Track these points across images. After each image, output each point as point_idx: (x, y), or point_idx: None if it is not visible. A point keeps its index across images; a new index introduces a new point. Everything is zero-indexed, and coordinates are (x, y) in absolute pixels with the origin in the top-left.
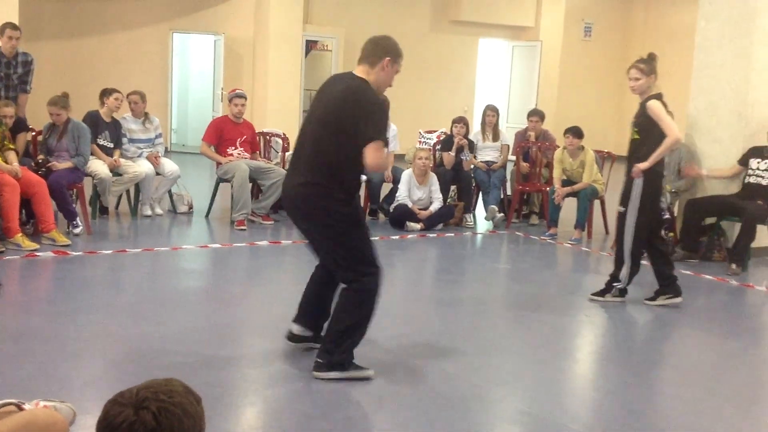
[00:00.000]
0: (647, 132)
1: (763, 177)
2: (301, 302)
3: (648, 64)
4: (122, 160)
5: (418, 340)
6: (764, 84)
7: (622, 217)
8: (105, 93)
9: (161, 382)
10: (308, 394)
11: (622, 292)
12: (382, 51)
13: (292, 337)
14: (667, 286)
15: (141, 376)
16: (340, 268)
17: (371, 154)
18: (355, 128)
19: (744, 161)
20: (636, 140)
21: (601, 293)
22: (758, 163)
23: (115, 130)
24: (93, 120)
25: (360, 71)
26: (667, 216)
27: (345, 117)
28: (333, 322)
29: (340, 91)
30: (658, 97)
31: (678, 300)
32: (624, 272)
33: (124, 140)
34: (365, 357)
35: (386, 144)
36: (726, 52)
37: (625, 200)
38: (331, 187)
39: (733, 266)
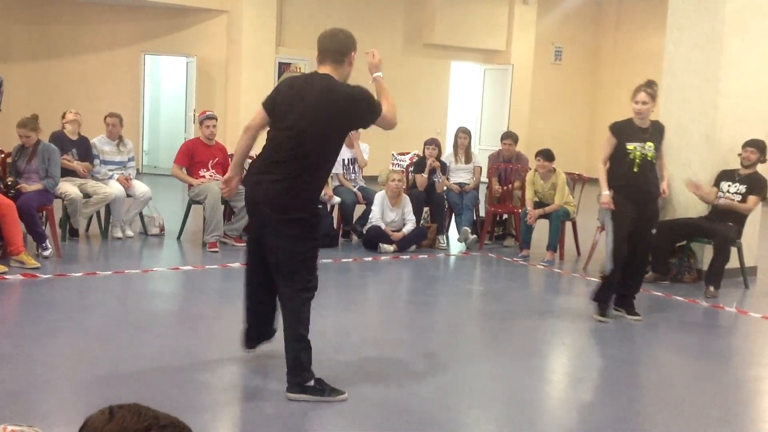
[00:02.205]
0: (659, 152)
1: (733, 199)
2: (249, 321)
3: (654, 89)
4: (93, 182)
5: (390, 362)
6: (732, 107)
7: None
8: (63, 115)
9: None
10: (280, 417)
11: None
12: (345, 47)
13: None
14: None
15: (111, 400)
16: (291, 274)
17: (391, 112)
18: (353, 121)
19: (716, 184)
20: (651, 160)
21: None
22: (729, 185)
23: (83, 147)
24: (59, 139)
25: (327, 71)
26: None
27: (339, 117)
28: (289, 342)
29: (318, 90)
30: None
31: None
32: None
33: (96, 161)
34: (337, 380)
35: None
36: (694, 77)
37: (656, 221)
38: (306, 186)
39: (711, 288)
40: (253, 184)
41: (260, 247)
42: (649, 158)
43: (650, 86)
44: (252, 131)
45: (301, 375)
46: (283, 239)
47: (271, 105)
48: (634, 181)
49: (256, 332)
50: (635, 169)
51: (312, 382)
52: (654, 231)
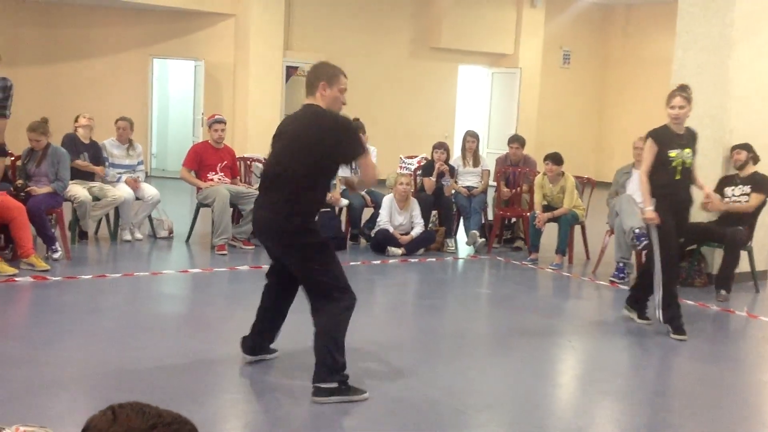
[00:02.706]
0: (695, 159)
1: (739, 201)
2: (252, 327)
3: (688, 93)
4: (102, 185)
5: (399, 365)
6: (742, 112)
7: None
8: (76, 119)
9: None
10: (289, 420)
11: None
12: (315, 78)
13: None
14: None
15: (120, 401)
16: (313, 290)
17: (367, 170)
18: (330, 152)
19: (719, 191)
20: (689, 167)
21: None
22: (732, 190)
23: (95, 151)
24: (71, 141)
25: (308, 101)
26: (646, 242)
27: (314, 145)
28: (318, 346)
29: (303, 123)
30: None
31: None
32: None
33: (106, 164)
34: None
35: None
36: (703, 81)
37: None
38: (290, 213)
39: (723, 292)
40: (254, 215)
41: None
42: (687, 165)
43: (684, 90)
44: None
45: (325, 378)
46: (292, 262)
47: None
48: (676, 190)
49: (251, 341)
50: (677, 177)
51: (335, 384)
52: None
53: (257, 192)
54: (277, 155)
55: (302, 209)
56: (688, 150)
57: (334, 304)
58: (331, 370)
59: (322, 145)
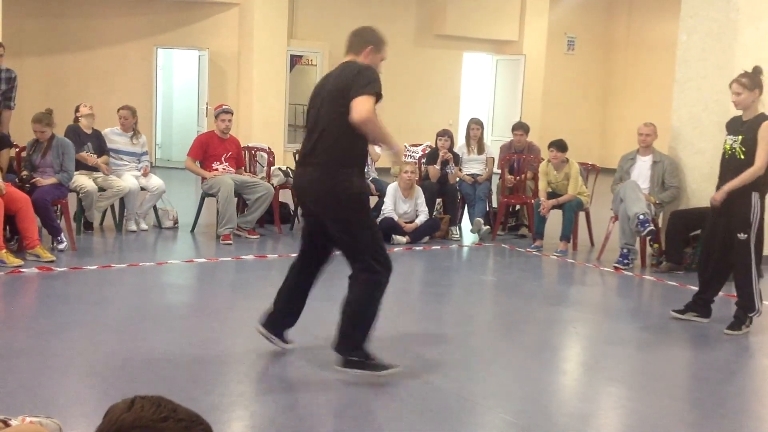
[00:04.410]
0: (753, 153)
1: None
2: (277, 305)
3: (751, 79)
4: (107, 176)
5: (404, 352)
6: None
7: (744, 244)
8: (76, 109)
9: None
10: (295, 408)
11: (689, 310)
12: (363, 41)
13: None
14: (701, 305)
15: (126, 392)
16: (352, 258)
17: (355, 107)
18: (348, 88)
19: None
20: (741, 160)
21: (736, 326)
22: None
23: (98, 141)
24: (75, 132)
25: (348, 58)
26: (651, 228)
27: (343, 89)
28: (348, 315)
29: (336, 75)
30: None
31: (704, 321)
32: (756, 298)
33: (112, 154)
34: (354, 377)
35: (378, 98)
36: (708, 65)
37: (743, 225)
38: (341, 166)
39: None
40: (295, 176)
41: (312, 232)
42: (735, 157)
43: (747, 75)
44: None
45: (350, 350)
46: (333, 227)
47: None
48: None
49: (270, 315)
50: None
51: (358, 357)
52: (745, 236)
53: (261, 181)
54: (318, 111)
55: (349, 162)
56: (741, 141)
57: (370, 275)
58: (349, 345)
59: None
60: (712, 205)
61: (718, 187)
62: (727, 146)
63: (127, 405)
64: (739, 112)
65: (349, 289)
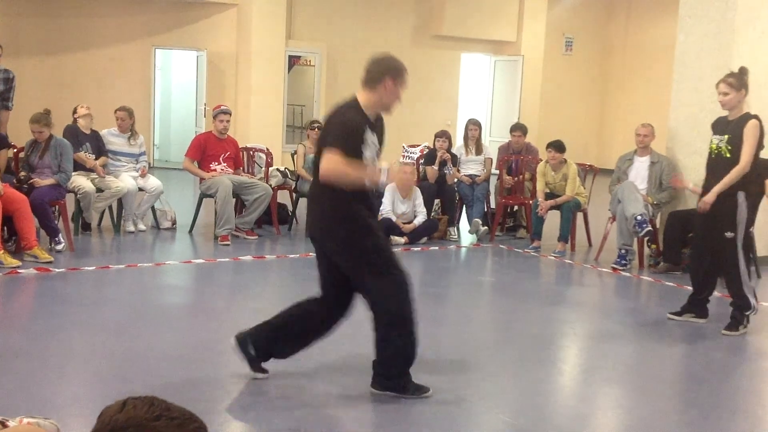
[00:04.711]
0: (739, 152)
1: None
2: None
3: (738, 79)
4: (105, 177)
5: None
6: None
7: (731, 243)
8: (74, 110)
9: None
10: (291, 410)
11: (685, 311)
12: (382, 72)
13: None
14: (698, 305)
15: (124, 392)
16: (361, 285)
17: (322, 163)
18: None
19: None
20: (728, 159)
21: (734, 327)
22: None
23: (96, 141)
24: (73, 132)
25: (359, 93)
26: (649, 228)
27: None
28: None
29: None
30: (758, 118)
31: (702, 321)
32: (751, 296)
33: (109, 155)
34: (350, 370)
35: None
36: (705, 66)
37: (730, 224)
38: (329, 202)
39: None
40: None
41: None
42: (721, 156)
43: (734, 75)
44: None
45: (389, 379)
46: (336, 256)
47: None
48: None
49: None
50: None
51: (395, 381)
52: (731, 235)
53: (259, 182)
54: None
55: (343, 198)
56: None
57: (380, 301)
58: (387, 364)
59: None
60: (699, 207)
61: (704, 187)
62: (714, 146)
63: (119, 406)
64: (725, 112)
65: (381, 315)
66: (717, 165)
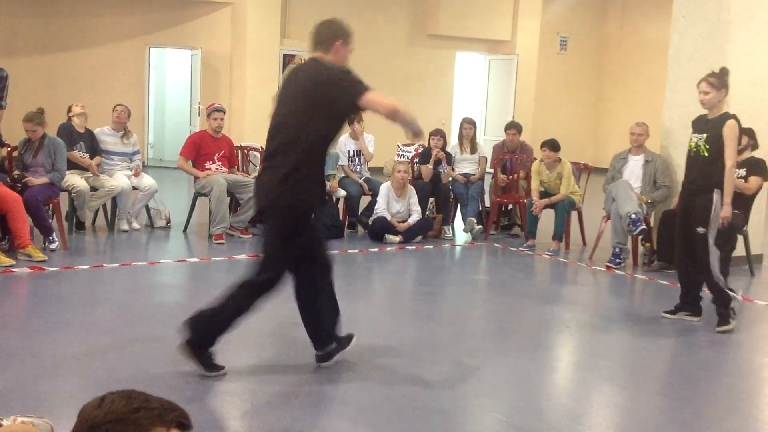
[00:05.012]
0: (720, 151)
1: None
2: (308, 328)
3: (719, 78)
4: (99, 175)
5: (397, 352)
6: (738, 96)
7: (703, 239)
8: (69, 109)
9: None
10: (289, 407)
11: (679, 310)
12: (331, 35)
13: (321, 358)
14: (690, 303)
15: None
16: (265, 259)
17: (379, 101)
18: (333, 101)
19: None
20: (705, 157)
21: (724, 322)
22: None
23: (90, 140)
24: (67, 131)
25: (316, 56)
26: (643, 227)
27: (319, 96)
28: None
29: (307, 77)
30: (736, 118)
31: (696, 320)
32: (726, 289)
33: (103, 154)
34: (344, 369)
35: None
36: (699, 65)
37: (702, 221)
38: (305, 175)
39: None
40: (257, 178)
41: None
42: (699, 155)
43: (715, 75)
44: None
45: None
46: (267, 225)
47: (274, 100)
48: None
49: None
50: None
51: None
52: (703, 230)
53: (253, 181)
54: (277, 116)
55: (305, 178)
56: (705, 139)
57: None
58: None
59: (329, 107)
60: (679, 206)
61: (683, 185)
62: (692, 144)
63: (97, 402)
64: (705, 111)
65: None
66: (694, 163)
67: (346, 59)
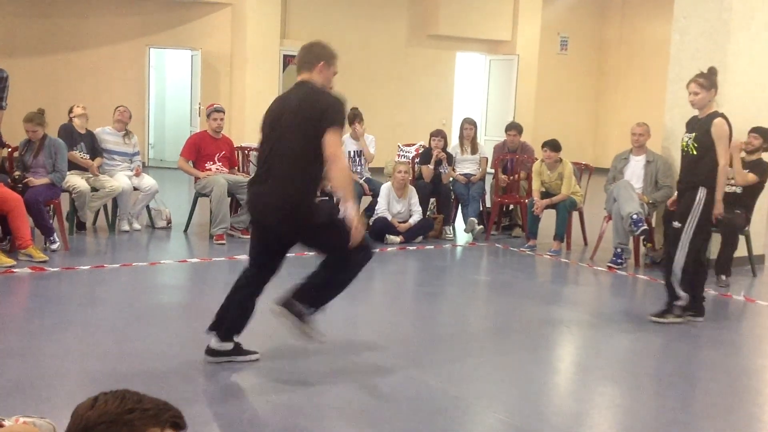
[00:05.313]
0: (707, 149)
1: (738, 186)
2: (220, 313)
3: (708, 79)
4: (100, 176)
5: (398, 352)
6: (739, 96)
7: (677, 233)
8: (70, 110)
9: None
10: (288, 408)
11: (687, 309)
12: (315, 57)
13: (210, 352)
14: (693, 304)
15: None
16: (335, 250)
17: (330, 140)
18: (316, 125)
19: None
20: (693, 156)
21: (662, 314)
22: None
23: (91, 141)
24: (68, 132)
25: (303, 78)
26: (645, 227)
27: (316, 120)
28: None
29: (303, 99)
30: (724, 116)
31: (700, 319)
32: (678, 289)
33: (104, 154)
34: (345, 369)
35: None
36: (700, 65)
37: (682, 216)
38: (307, 189)
39: (723, 277)
40: (253, 197)
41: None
42: (688, 153)
43: (704, 76)
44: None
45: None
46: (304, 239)
47: (261, 126)
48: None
49: (224, 317)
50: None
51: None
52: (679, 225)
53: (250, 187)
54: (278, 134)
55: (308, 186)
56: (694, 138)
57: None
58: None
59: (322, 120)
60: (670, 208)
61: (678, 182)
62: (684, 143)
63: (90, 402)
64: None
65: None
66: (684, 162)
67: (329, 80)
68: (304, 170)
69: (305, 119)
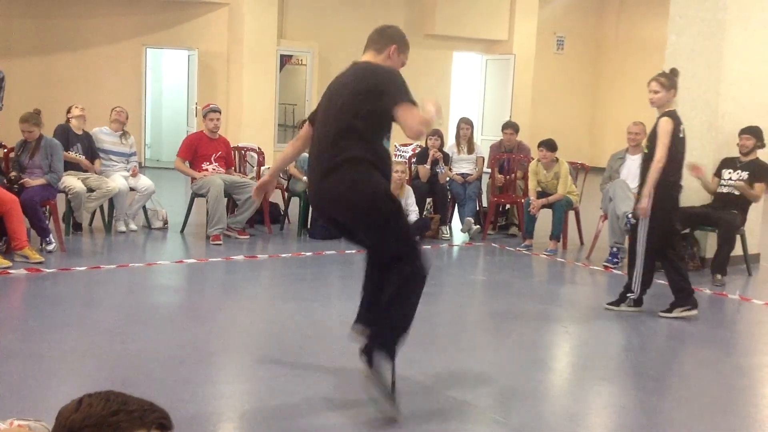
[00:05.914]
0: (655, 147)
1: (735, 187)
2: (363, 301)
3: (669, 79)
4: (96, 176)
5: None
6: (734, 96)
7: (634, 229)
8: (68, 110)
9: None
10: (285, 409)
11: (637, 303)
12: (388, 39)
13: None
14: (683, 298)
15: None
16: (392, 249)
17: (408, 116)
18: (377, 98)
19: (717, 172)
20: (646, 154)
21: (616, 303)
22: (730, 173)
23: (87, 142)
24: (64, 132)
25: (367, 57)
26: None
27: (363, 92)
28: (391, 309)
29: (352, 74)
30: (672, 114)
31: (694, 312)
32: (636, 283)
33: (100, 154)
34: (343, 370)
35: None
36: (696, 65)
37: (635, 212)
38: (365, 163)
39: (719, 276)
40: (312, 192)
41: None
42: (644, 153)
43: (666, 75)
44: (297, 141)
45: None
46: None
47: (314, 111)
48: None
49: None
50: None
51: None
52: (634, 221)
53: (250, 182)
54: (338, 110)
55: (362, 167)
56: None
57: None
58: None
59: (378, 97)
60: (639, 214)
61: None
62: (643, 144)
63: (75, 404)
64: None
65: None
66: (642, 160)
67: (398, 67)
68: (367, 149)
69: (359, 94)
